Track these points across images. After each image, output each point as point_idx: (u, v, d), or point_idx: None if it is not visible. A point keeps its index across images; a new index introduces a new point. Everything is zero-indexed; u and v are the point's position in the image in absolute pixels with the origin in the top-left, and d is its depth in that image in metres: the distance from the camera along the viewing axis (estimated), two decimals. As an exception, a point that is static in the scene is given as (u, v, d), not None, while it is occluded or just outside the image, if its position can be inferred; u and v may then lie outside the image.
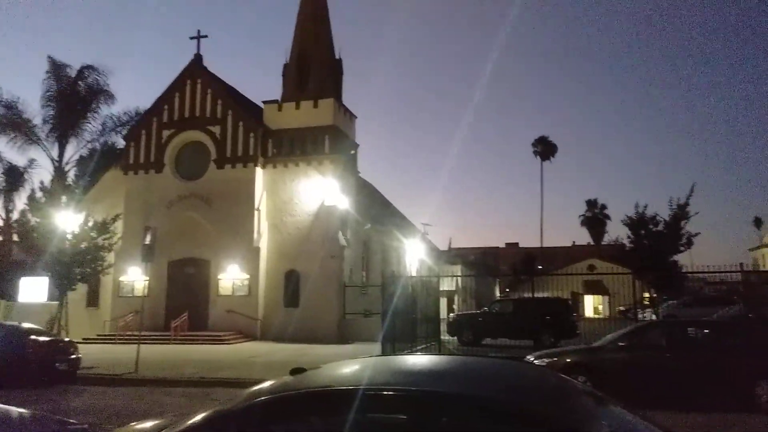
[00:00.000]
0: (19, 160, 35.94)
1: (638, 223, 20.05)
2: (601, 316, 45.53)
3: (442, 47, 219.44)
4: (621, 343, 10.98)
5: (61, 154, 33.18)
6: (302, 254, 26.79)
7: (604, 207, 75.88)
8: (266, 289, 27.03)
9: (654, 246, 19.56)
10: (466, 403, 2.64)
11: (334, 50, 31.71)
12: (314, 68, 30.03)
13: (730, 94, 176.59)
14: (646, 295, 24.17)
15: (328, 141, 27.69)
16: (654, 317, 21.91)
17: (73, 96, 32.74)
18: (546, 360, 11.14)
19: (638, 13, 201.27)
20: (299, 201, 27.53)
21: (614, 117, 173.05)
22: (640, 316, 20.52)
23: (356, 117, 31.33)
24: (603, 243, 74.35)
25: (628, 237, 20.46)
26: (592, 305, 55.51)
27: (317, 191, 27.26)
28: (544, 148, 64.81)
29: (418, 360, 4.22)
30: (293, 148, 27.98)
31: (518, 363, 3.97)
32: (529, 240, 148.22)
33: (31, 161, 36.31)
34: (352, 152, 30.48)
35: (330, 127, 27.79)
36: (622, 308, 41.12)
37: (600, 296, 54.46)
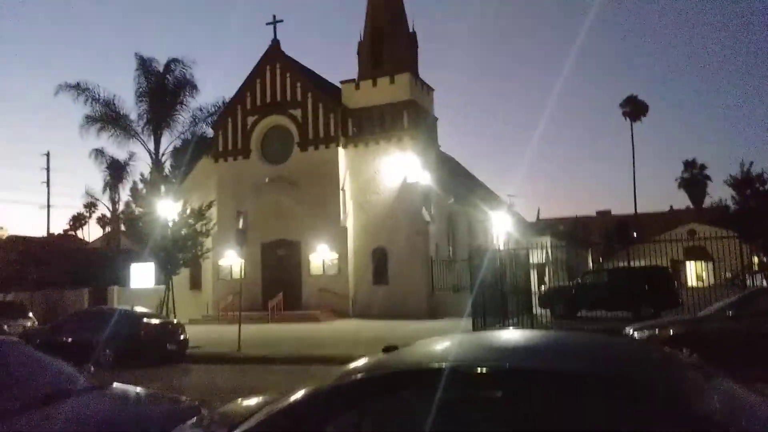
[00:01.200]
0: (119, 154, 38.25)
1: (744, 182, 18.70)
2: (705, 285, 43.02)
3: (522, 10, 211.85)
4: (729, 313, 10.28)
5: (156, 147, 35.11)
6: (388, 231, 27.05)
7: (703, 167, 71.05)
8: (355, 268, 27.56)
9: (763, 206, 18.15)
10: (564, 380, 2.56)
11: (408, 24, 31.40)
12: (388, 44, 29.89)
13: None
14: (756, 260, 22.54)
15: (407, 116, 27.59)
16: (765, 283, 20.41)
17: (163, 89, 34.43)
18: (647, 332, 10.65)
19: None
20: (382, 179, 27.71)
21: (707, 69, 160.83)
22: (749, 283, 19.18)
23: (434, 90, 30.99)
24: (704, 206, 70.01)
25: (733, 198, 19.19)
26: (694, 273, 52.42)
27: (399, 168, 27.31)
28: (634, 108, 61.22)
29: (512, 335, 4.14)
30: (373, 125, 28.12)
31: (617, 337, 3.81)
32: (621, 207, 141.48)
33: (131, 155, 38.53)
34: (432, 125, 30.22)
35: (408, 102, 27.66)
36: (728, 275, 38.62)
37: (703, 263, 51.34)
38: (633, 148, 61.39)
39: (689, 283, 46.68)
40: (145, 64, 34.57)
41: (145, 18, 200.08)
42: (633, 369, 2.79)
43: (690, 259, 49.25)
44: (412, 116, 27.64)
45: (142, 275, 28.97)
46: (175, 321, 17.61)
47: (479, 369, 2.75)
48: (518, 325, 17.89)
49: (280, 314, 25.63)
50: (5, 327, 20.05)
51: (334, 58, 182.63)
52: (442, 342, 3.48)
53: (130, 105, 34.79)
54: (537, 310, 20.83)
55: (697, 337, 9.94)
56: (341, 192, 27.70)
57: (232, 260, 27.92)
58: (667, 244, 19.21)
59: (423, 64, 33.21)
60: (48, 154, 43.90)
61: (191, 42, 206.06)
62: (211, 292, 28.92)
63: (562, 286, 24.03)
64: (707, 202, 69.64)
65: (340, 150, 28.08)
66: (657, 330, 10.73)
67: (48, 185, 43.42)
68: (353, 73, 30.11)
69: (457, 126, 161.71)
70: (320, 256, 27.52)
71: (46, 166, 43.61)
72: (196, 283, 30.08)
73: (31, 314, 22.96)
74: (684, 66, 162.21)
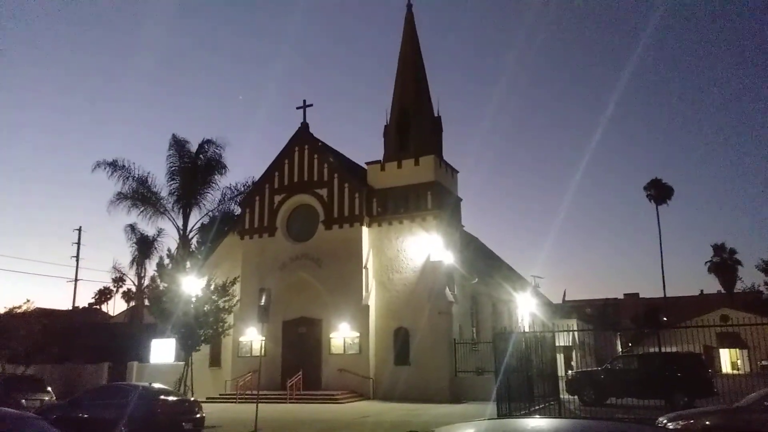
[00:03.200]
0: (148, 229, 39.07)
1: (776, 267, 18.21)
2: (740, 372, 41.14)
3: (545, 92, 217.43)
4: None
5: (185, 223, 35.84)
6: (410, 311, 26.74)
7: (733, 252, 69.82)
8: (376, 347, 27.08)
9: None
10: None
11: (433, 107, 32.39)
12: (414, 127, 30.73)
13: None
14: (793, 347, 21.63)
15: (431, 197, 27.91)
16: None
17: (194, 168, 35.52)
18: (681, 423, 10.12)
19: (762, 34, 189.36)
20: (405, 258, 27.71)
21: (732, 153, 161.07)
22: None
23: (458, 171, 31.47)
24: (736, 291, 68.21)
25: (766, 283, 18.63)
26: (729, 360, 50.41)
27: (422, 247, 27.35)
28: (659, 192, 61.19)
29: (537, 424, 3.99)
30: (397, 205, 28.46)
31: (650, 427, 3.66)
32: (649, 290, 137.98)
33: (160, 231, 39.31)
34: (456, 205, 30.47)
35: (432, 183, 28.07)
36: (764, 362, 36.97)
37: (737, 350, 49.47)
38: (659, 231, 60.71)
39: (724, 370, 44.84)
40: (179, 144, 35.87)
41: (177, 98, 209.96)
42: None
43: (724, 346, 47.52)
44: (436, 197, 27.96)
45: (163, 351, 28.81)
46: (192, 398, 17.36)
47: (505, 458, 2.65)
48: (545, 411, 17.19)
49: (299, 394, 25.06)
50: (23, 401, 19.91)
51: (360, 140, 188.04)
52: (467, 429, 3.39)
53: (160, 182, 35.87)
54: (564, 395, 20.08)
55: (735, 428, 9.43)
56: (364, 270, 27.69)
57: (252, 337, 27.73)
58: (699, 330, 18.60)
59: (447, 146, 33.96)
60: (80, 230, 45.09)
61: (222, 123, 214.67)
62: (230, 370, 28.54)
63: (591, 371, 23.21)
64: (738, 286, 67.94)
65: (364, 229, 28.34)
66: (692, 420, 10.20)
67: (77, 260, 44.30)
68: (379, 155, 30.90)
69: (482, 207, 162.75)
70: (341, 335, 27.18)
71: (77, 241, 44.66)
72: (215, 360, 29.77)
73: (49, 388, 22.81)
74: (709, 150, 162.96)
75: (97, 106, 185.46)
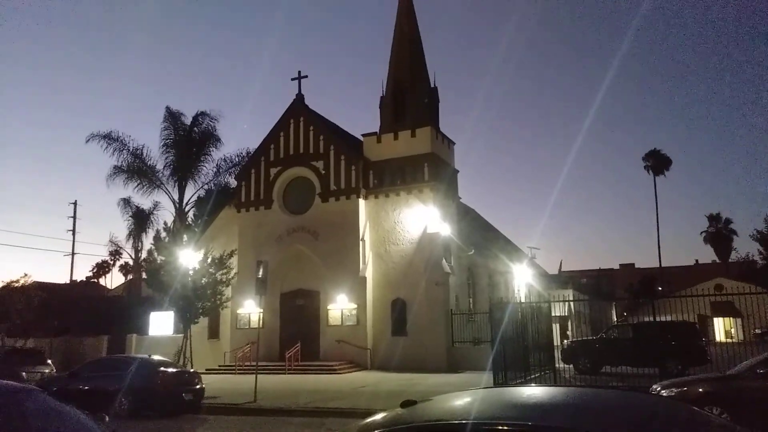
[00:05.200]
0: (144, 203, 39.08)
1: (771, 237, 18.28)
2: (734, 340, 41.68)
3: (543, 63, 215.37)
4: (760, 371, 9.92)
5: (181, 196, 35.74)
6: (407, 283, 26.89)
7: (728, 222, 70.24)
8: (374, 319, 27.30)
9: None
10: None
11: (429, 79, 32.07)
12: (410, 98, 30.49)
13: None
14: (787, 316, 21.83)
15: (428, 169, 27.82)
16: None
17: (189, 141, 35.27)
18: (674, 390, 10.26)
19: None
20: (402, 230, 27.75)
21: (730, 124, 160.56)
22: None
23: (454, 143, 31.32)
24: (730, 261, 68.78)
25: (760, 253, 18.74)
26: (722, 329, 50.98)
27: (419, 219, 27.37)
28: (657, 162, 61.12)
29: (533, 392, 4.03)
30: (393, 177, 28.38)
31: (644, 394, 3.69)
32: (645, 260, 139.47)
33: (156, 204, 39.27)
34: (453, 177, 30.40)
35: (428, 155, 27.95)
36: (758, 331, 37.42)
37: (731, 319, 49.99)
38: (656, 201, 61.14)
39: (718, 339, 45.36)
40: (173, 117, 35.54)
41: (170, 71, 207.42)
42: (661, 430, 2.69)
43: (718, 315, 47.99)
44: (432, 168, 27.87)
45: (161, 323, 29.00)
46: (191, 370, 17.52)
47: (500, 427, 2.67)
48: (540, 380, 17.42)
49: (297, 365, 25.34)
50: (23, 374, 20.10)
51: (356, 112, 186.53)
52: (463, 397, 3.41)
53: (155, 155, 35.59)
54: (560, 364, 20.32)
55: (727, 395, 9.57)
56: (361, 242, 27.75)
57: (250, 309, 27.90)
58: (694, 299, 18.74)
59: (444, 117, 33.80)
60: (75, 203, 44.98)
61: (217, 95, 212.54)
62: (229, 341, 28.79)
63: (586, 341, 23.45)
64: (733, 256, 68.49)
65: (361, 201, 28.30)
66: (685, 388, 10.34)
67: (74, 234, 44.28)
68: (375, 127, 30.68)
69: (479, 179, 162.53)
70: (339, 307, 27.36)
71: (72, 215, 44.59)
72: (214, 333, 30.01)
73: (49, 361, 23.03)
74: (707, 121, 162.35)
75: (92, 81, 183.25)
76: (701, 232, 71.57)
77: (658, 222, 59.29)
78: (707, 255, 75.52)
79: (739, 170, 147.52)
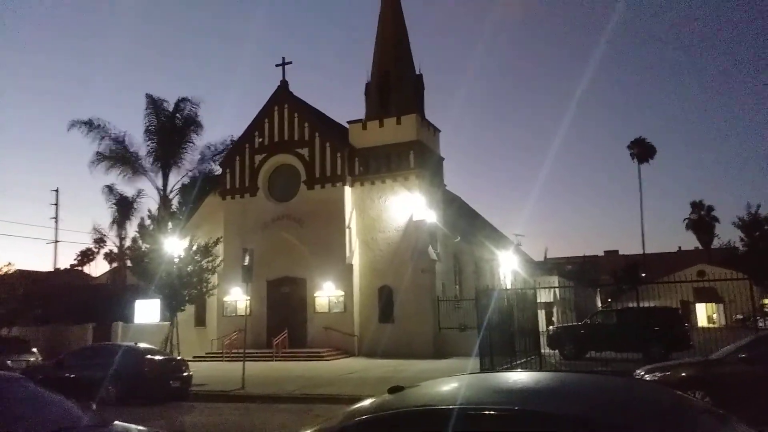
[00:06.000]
0: (128, 191, 38.56)
1: (751, 224, 18.59)
2: (716, 325, 42.39)
3: (528, 51, 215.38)
4: (742, 355, 10.10)
5: (165, 184, 35.38)
6: (394, 270, 26.97)
7: (711, 209, 71.07)
8: (361, 306, 27.39)
9: (772, 248, 18.04)
10: (572, 425, 2.51)
11: (415, 66, 31.97)
12: (395, 86, 30.38)
13: None
14: (766, 301, 22.25)
15: (413, 156, 27.81)
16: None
17: (172, 128, 34.80)
18: (658, 374, 10.42)
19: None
20: (388, 217, 27.78)
21: (714, 113, 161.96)
22: (760, 324, 18.90)
23: (440, 131, 31.32)
24: (713, 247, 69.67)
25: (741, 240, 19.04)
26: (705, 314, 51.81)
27: (405, 207, 27.41)
28: (641, 150, 61.72)
29: (519, 377, 4.08)
30: (379, 165, 28.34)
31: (628, 379, 3.75)
32: (629, 247, 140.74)
33: (139, 191, 38.83)
34: (438, 164, 30.42)
35: (414, 142, 27.93)
36: (739, 316, 38.09)
37: (713, 304, 50.77)
38: (641, 189, 61.48)
39: (700, 324, 46.14)
40: (155, 104, 35.09)
41: (154, 56, 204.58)
42: (645, 414, 2.74)
43: (700, 301, 48.71)
44: (418, 156, 27.86)
45: (147, 311, 28.85)
46: (178, 357, 17.48)
47: (486, 411, 2.70)
48: (526, 365, 17.61)
49: (285, 352, 25.38)
50: (9, 362, 19.93)
51: (341, 99, 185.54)
52: (449, 383, 3.44)
53: (138, 142, 35.17)
54: (545, 350, 20.56)
55: (709, 380, 9.73)
56: (347, 230, 27.74)
57: (237, 297, 27.84)
58: (676, 285, 19.01)
59: (429, 105, 33.77)
60: (57, 191, 44.53)
61: (200, 82, 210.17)
62: (216, 329, 28.74)
63: (571, 326, 23.72)
64: (716, 243, 69.38)
65: (347, 188, 28.24)
66: (668, 372, 10.51)
67: (56, 221, 43.85)
68: (360, 114, 30.58)
69: (464, 166, 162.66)
70: (326, 294, 27.40)
71: (54, 202, 44.14)
72: (200, 320, 29.93)
73: (35, 350, 22.83)
74: (691, 108, 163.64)
75: (74, 67, 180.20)
76: (684, 219, 72.43)
77: (642, 209, 60.05)
78: (690, 242, 76.45)
79: (722, 158, 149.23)
